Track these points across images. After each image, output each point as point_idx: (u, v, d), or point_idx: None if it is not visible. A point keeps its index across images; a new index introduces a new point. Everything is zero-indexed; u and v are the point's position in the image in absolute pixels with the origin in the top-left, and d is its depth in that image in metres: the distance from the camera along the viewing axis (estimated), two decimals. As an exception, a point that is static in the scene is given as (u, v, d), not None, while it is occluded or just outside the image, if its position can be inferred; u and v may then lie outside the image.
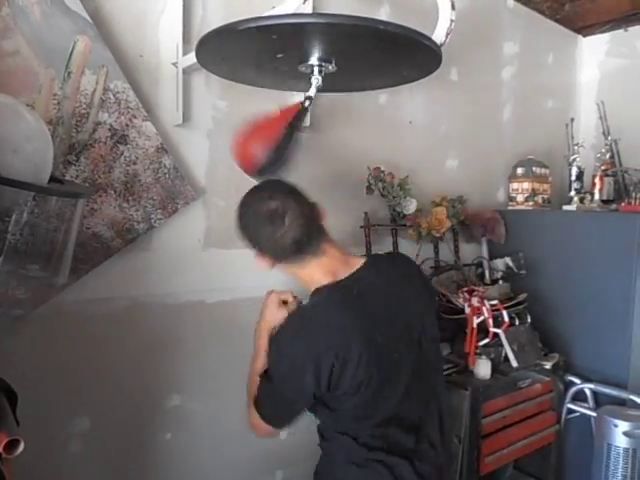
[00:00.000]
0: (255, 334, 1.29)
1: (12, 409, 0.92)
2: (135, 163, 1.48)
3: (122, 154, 1.46)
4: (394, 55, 1.39)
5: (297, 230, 1.15)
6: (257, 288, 1.67)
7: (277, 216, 1.15)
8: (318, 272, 1.20)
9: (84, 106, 1.38)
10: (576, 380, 2.13)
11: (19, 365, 1.26)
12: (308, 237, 1.17)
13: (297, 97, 1.80)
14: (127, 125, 1.45)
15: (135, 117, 1.46)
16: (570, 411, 2.14)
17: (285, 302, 1.28)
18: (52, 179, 1.10)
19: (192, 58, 1.45)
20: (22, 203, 1.24)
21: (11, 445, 0.76)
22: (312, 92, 1.36)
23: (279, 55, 1.34)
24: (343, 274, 1.20)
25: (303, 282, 1.24)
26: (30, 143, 1.02)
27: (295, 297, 1.29)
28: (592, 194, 2.40)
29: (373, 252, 2.02)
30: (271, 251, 1.19)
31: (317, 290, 1.19)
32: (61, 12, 1.33)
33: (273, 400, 1.19)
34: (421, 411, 1.23)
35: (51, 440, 1.41)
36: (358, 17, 1.15)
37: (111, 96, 1.42)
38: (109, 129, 1.43)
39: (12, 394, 0.94)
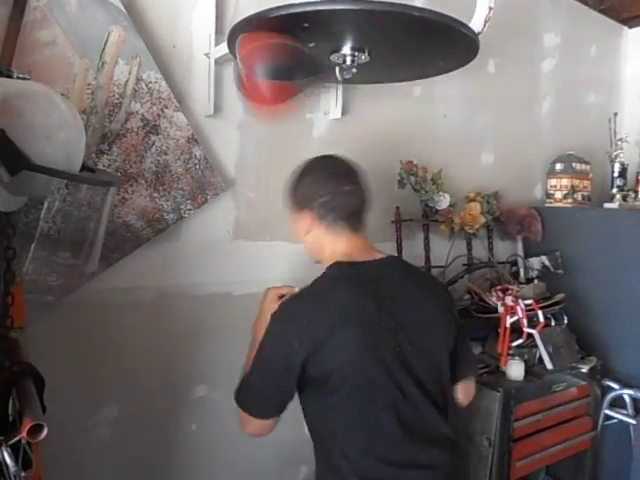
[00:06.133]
0: (252, 331, 1.25)
1: (39, 394, 0.93)
2: (166, 153, 1.48)
3: (153, 144, 1.46)
4: (429, 44, 1.35)
5: (358, 198, 1.20)
6: (284, 281, 1.66)
7: (346, 175, 1.20)
8: (343, 248, 1.19)
9: (117, 96, 1.39)
10: (614, 385, 2.04)
11: (48, 351, 1.27)
12: (360, 211, 1.21)
13: (329, 89, 1.79)
14: (159, 115, 1.46)
15: (167, 107, 1.47)
16: (607, 417, 2.05)
17: (282, 297, 1.23)
18: (84, 167, 1.10)
19: (224, 48, 1.44)
20: (54, 191, 1.26)
21: (35, 429, 0.77)
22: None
23: (311, 44, 1.32)
24: (362, 259, 1.19)
25: (321, 256, 1.22)
26: (63, 131, 1.02)
27: (293, 289, 1.24)
28: (636, 192, 2.30)
29: (404, 248, 1.98)
30: (322, 208, 1.17)
31: (334, 264, 1.17)
32: (96, 2, 1.34)
33: (254, 377, 1.12)
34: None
35: (78, 426, 1.43)
36: (393, 3, 1.12)
37: (143, 86, 1.42)
38: (141, 119, 1.44)
39: (39, 380, 0.94)
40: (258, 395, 1.12)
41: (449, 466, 1.18)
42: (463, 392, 1.32)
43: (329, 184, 1.18)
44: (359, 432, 1.10)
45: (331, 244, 1.20)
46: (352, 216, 1.20)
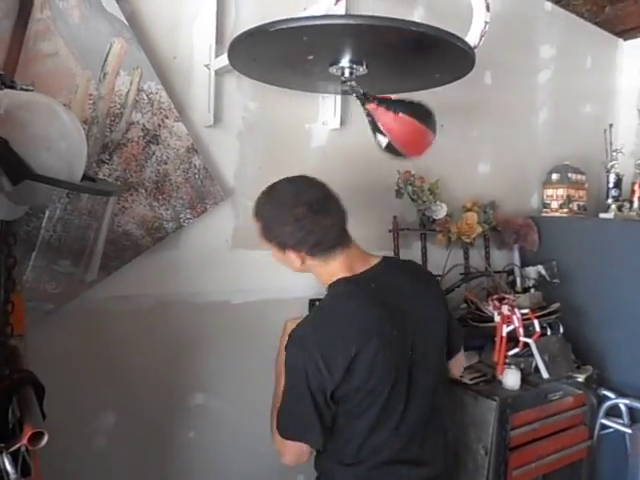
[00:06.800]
0: (275, 366, 1.29)
1: (39, 402, 0.93)
2: (166, 163, 1.50)
3: (154, 154, 1.48)
4: (426, 57, 1.37)
5: (338, 222, 1.20)
6: (283, 290, 1.68)
7: (323, 204, 1.17)
8: (339, 268, 1.21)
9: (118, 106, 1.41)
10: (610, 394, 2.05)
11: (48, 358, 1.28)
12: (343, 229, 1.22)
13: (328, 99, 1.81)
14: (159, 125, 1.47)
15: (167, 117, 1.48)
16: (603, 427, 2.06)
17: None
18: (85, 177, 1.11)
19: (224, 60, 1.46)
20: (56, 200, 1.28)
21: (36, 437, 0.77)
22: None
23: (310, 57, 1.34)
24: (360, 269, 1.22)
25: (323, 279, 1.25)
26: (65, 141, 1.03)
27: None
28: (631, 202, 2.32)
29: (401, 257, 1.99)
30: (309, 247, 1.17)
31: (336, 282, 1.20)
32: (99, 15, 1.36)
33: (290, 406, 1.14)
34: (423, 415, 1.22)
35: (77, 434, 1.43)
36: (390, 18, 1.14)
37: (144, 97, 1.44)
38: (142, 129, 1.45)
39: (39, 387, 0.95)
40: (299, 414, 1.13)
41: (443, 463, 1.27)
42: (455, 367, 1.45)
43: (308, 224, 1.15)
44: (376, 434, 1.16)
45: (329, 268, 1.22)
46: (338, 238, 1.21)
